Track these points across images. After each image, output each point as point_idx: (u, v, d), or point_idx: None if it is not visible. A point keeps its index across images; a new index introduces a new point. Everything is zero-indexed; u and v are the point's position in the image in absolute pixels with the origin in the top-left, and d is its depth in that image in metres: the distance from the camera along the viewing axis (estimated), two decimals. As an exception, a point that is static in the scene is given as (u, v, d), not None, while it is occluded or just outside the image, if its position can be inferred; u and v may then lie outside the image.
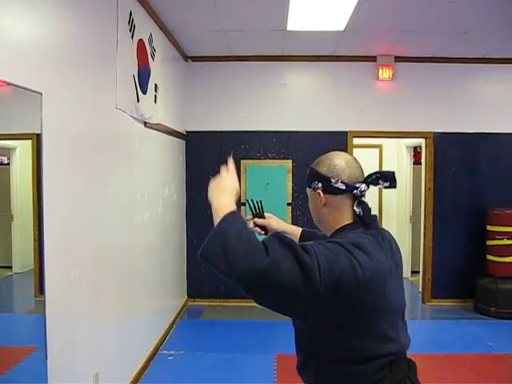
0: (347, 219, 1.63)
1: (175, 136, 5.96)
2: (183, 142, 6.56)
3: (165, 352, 4.96)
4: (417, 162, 7.85)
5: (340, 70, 6.63)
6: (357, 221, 1.61)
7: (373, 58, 6.52)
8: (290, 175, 6.58)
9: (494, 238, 6.13)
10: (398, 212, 8.39)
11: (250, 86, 6.67)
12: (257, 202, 2.31)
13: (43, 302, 2.61)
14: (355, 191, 1.59)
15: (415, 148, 7.99)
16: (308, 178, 1.72)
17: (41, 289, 2.64)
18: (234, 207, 1.53)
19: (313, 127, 6.54)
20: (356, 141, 6.75)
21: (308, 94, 6.72)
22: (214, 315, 6.29)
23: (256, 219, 2.29)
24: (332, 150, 1.74)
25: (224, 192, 1.61)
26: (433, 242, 6.66)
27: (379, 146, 8.87)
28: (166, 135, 5.47)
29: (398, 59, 6.50)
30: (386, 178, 1.61)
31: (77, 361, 3.05)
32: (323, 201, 1.64)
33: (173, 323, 5.79)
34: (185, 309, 6.53)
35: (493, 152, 6.62)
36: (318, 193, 1.64)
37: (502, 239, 6.06)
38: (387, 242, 1.61)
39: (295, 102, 6.66)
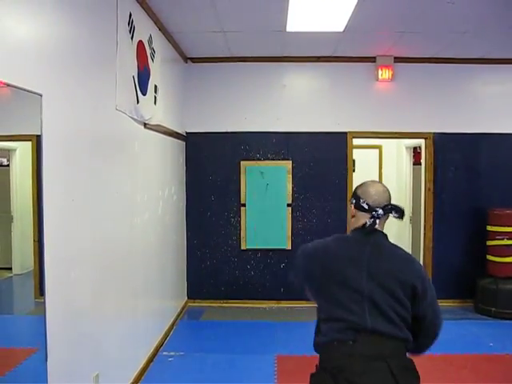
0: (358, 226, 2.27)
1: (175, 137, 5.96)
2: (183, 143, 6.56)
3: (165, 353, 4.96)
4: (417, 162, 7.85)
5: (339, 70, 6.63)
6: (361, 227, 2.23)
7: (372, 59, 6.53)
8: (290, 176, 6.58)
9: (494, 238, 6.13)
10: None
11: (249, 87, 6.67)
12: None
13: (43, 304, 2.61)
14: (374, 213, 2.20)
15: (415, 148, 7.99)
16: (352, 195, 2.35)
17: (41, 290, 2.64)
18: None
19: (312, 128, 6.54)
20: (356, 141, 6.75)
21: (307, 94, 6.72)
22: (214, 316, 6.28)
23: None
24: (370, 180, 2.34)
25: None
26: (433, 243, 6.66)
27: (379, 147, 8.88)
28: (165, 136, 5.47)
29: (398, 60, 6.50)
30: (397, 211, 2.21)
31: (77, 362, 3.05)
32: (352, 213, 2.29)
33: (173, 324, 5.79)
34: (185, 310, 6.53)
35: (492, 152, 6.62)
36: (351, 206, 2.29)
37: (503, 239, 6.06)
38: (371, 245, 2.18)
39: (295, 103, 6.66)
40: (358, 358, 1.99)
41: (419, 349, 2.23)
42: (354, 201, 2.28)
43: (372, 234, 2.20)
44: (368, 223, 2.19)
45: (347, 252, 2.20)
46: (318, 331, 2.21)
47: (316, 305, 2.26)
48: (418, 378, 2.07)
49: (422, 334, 2.19)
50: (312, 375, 2.16)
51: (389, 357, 1.99)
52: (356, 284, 2.09)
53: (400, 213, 2.21)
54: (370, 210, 2.20)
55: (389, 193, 2.27)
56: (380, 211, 2.19)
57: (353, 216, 2.29)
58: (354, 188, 2.38)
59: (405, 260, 2.21)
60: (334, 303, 2.12)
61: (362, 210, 2.23)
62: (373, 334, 2.03)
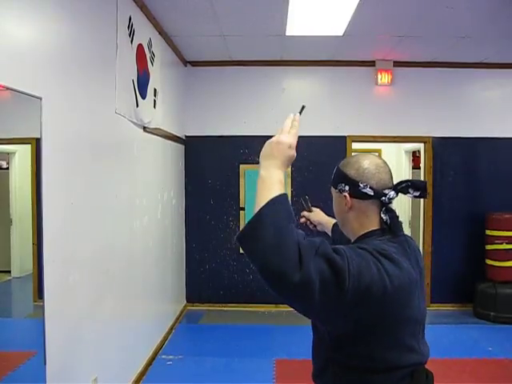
0: (373, 225, 1.58)
1: (174, 141, 5.97)
2: (182, 147, 6.57)
3: (164, 357, 4.96)
4: (416, 166, 7.87)
5: (339, 74, 6.65)
6: (383, 228, 1.56)
7: (372, 63, 6.54)
8: (289, 180, 6.58)
9: (493, 242, 6.13)
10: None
11: (249, 91, 6.68)
12: (305, 200, 2.64)
13: (42, 307, 2.61)
14: (383, 198, 1.55)
15: (414, 152, 8.01)
16: (334, 178, 1.68)
17: (40, 293, 2.64)
18: (282, 185, 1.43)
19: (312, 132, 6.53)
20: (355, 145, 6.76)
21: (307, 98, 6.73)
22: (213, 320, 6.28)
23: (304, 212, 2.58)
24: (361, 153, 1.70)
25: (277, 158, 1.48)
26: (432, 247, 6.66)
27: (378, 151, 8.90)
28: (165, 140, 5.47)
29: (397, 64, 6.52)
30: (417, 187, 1.57)
31: (76, 365, 3.05)
32: (349, 204, 1.59)
33: (172, 328, 5.79)
34: (184, 313, 6.52)
35: (491, 156, 6.63)
36: (345, 195, 1.59)
37: (501, 244, 6.05)
38: (412, 251, 1.57)
39: (294, 107, 6.62)
40: None
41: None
42: (347, 187, 1.59)
43: (402, 235, 1.59)
44: (387, 219, 1.55)
45: (410, 270, 1.48)
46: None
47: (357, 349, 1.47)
48: None
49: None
50: None
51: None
52: (416, 313, 1.52)
53: (422, 189, 1.58)
54: (378, 194, 1.55)
55: (388, 165, 1.66)
56: (391, 193, 1.56)
57: (350, 208, 1.60)
58: (338, 166, 1.71)
59: (422, 259, 1.69)
60: (393, 346, 1.48)
61: (365, 197, 1.56)
62: (424, 368, 1.57)
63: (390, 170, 1.62)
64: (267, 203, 1.35)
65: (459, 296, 6.60)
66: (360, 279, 1.31)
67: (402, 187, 1.57)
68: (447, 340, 5.37)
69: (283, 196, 1.39)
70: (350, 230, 1.66)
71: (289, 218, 1.36)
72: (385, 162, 1.63)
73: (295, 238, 1.30)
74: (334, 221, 2.33)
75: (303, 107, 1.73)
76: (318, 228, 2.56)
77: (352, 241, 1.64)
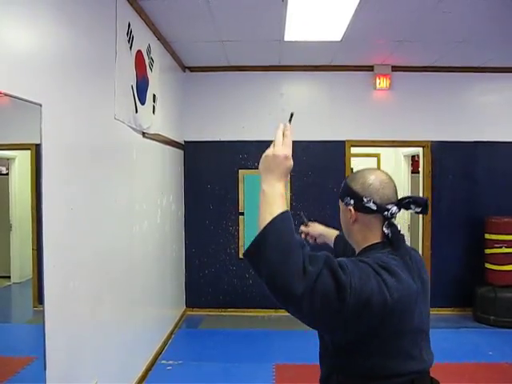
0: (376, 238, 1.65)
1: (173, 146, 5.98)
2: (181, 152, 6.58)
3: (163, 362, 4.95)
4: (415, 170, 7.88)
5: (337, 79, 6.66)
6: (385, 241, 1.63)
7: (370, 68, 6.56)
8: (289, 184, 6.59)
9: (493, 246, 6.13)
10: (397, 221, 8.40)
11: (247, 96, 6.69)
12: (301, 216, 2.70)
13: (42, 312, 2.61)
14: (386, 213, 1.61)
15: (413, 157, 8.03)
16: (341, 191, 1.74)
17: (39, 299, 2.64)
18: (283, 198, 1.51)
19: (310, 136, 6.55)
20: (354, 150, 6.77)
21: (305, 103, 6.75)
22: (213, 325, 6.27)
23: (302, 227, 2.59)
24: (368, 168, 1.78)
25: (275, 171, 1.55)
26: (431, 251, 6.66)
27: (377, 155, 8.91)
28: (164, 145, 5.48)
29: (395, 69, 6.54)
30: (419, 204, 1.62)
31: (76, 371, 3.05)
32: (353, 217, 1.66)
33: (171, 333, 5.78)
34: (183, 318, 6.51)
35: (490, 160, 6.64)
36: (350, 209, 1.67)
37: (501, 247, 6.06)
38: (415, 263, 1.62)
39: (293, 112, 6.65)
40: None
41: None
42: (351, 201, 1.66)
43: (404, 248, 1.63)
44: (389, 233, 1.62)
45: (411, 282, 1.54)
46: None
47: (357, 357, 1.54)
48: None
49: None
50: None
51: None
52: (418, 324, 1.57)
53: (424, 206, 1.62)
54: (380, 209, 1.61)
55: (393, 181, 1.71)
56: (394, 209, 1.62)
57: (354, 221, 1.67)
58: (345, 179, 1.77)
59: (424, 265, 1.76)
60: (393, 355, 1.53)
61: (369, 211, 1.63)
62: (428, 376, 1.64)
63: (394, 186, 1.69)
64: (271, 221, 1.42)
65: (459, 300, 6.60)
66: (361, 293, 1.37)
67: (405, 203, 1.63)
68: (447, 344, 5.36)
69: (286, 213, 1.46)
70: (354, 242, 1.74)
71: (292, 235, 1.43)
72: (390, 178, 1.70)
73: (299, 255, 1.37)
74: (335, 232, 2.41)
75: (292, 115, 1.80)
76: (318, 241, 2.60)
77: (356, 253, 1.71)
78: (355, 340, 1.48)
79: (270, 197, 1.49)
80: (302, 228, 2.59)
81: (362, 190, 1.64)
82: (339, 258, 1.46)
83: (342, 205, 1.74)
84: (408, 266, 1.56)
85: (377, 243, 1.64)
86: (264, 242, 1.39)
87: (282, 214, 1.45)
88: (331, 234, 2.49)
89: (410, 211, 1.65)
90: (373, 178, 1.65)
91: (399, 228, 1.63)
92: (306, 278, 1.33)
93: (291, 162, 1.59)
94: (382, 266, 1.47)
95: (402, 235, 1.63)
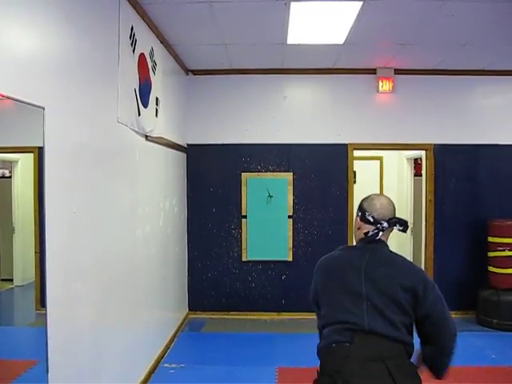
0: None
1: (176, 149, 5.99)
2: (184, 155, 6.59)
3: (166, 365, 4.95)
4: (417, 173, 7.87)
5: (340, 82, 6.67)
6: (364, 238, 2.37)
7: (373, 71, 6.56)
8: (291, 188, 6.59)
9: (496, 249, 6.11)
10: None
11: (250, 99, 6.70)
12: None
13: (44, 315, 2.61)
14: (378, 225, 2.31)
15: (416, 160, 8.01)
16: (358, 207, 2.44)
17: (42, 302, 2.64)
18: None
19: (313, 140, 6.56)
20: (356, 153, 6.77)
21: (308, 106, 6.75)
22: (216, 328, 6.26)
23: None
24: (375, 193, 2.49)
25: None
26: (434, 254, 6.65)
27: (380, 158, 8.91)
28: (167, 148, 5.49)
29: (398, 72, 6.54)
30: (401, 224, 2.32)
31: (78, 374, 3.04)
32: (358, 225, 2.40)
33: (174, 336, 5.78)
34: (186, 321, 6.51)
35: (493, 163, 6.63)
36: (357, 218, 2.41)
37: (504, 250, 6.04)
38: (369, 253, 2.29)
39: (296, 115, 6.68)
40: (354, 358, 2.03)
41: (443, 351, 2.24)
42: (359, 213, 2.38)
43: (373, 243, 2.31)
44: (370, 233, 2.30)
45: (348, 259, 2.32)
46: (320, 338, 2.28)
47: (320, 313, 2.32)
48: (418, 378, 2.09)
49: (436, 334, 2.21)
50: (314, 381, 2.18)
51: (387, 358, 2.02)
52: (356, 288, 2.18)
53: (404, 226, 2.31)
54: (375, 222, 2.30)
55: (393, 206, 2.38)
56: (385, 224, 2.29)
57: (358, 228, 2.39)
58: (359, 201, 2.46)
59: (404, 266, 2.30)
60: (335, 307, 2.22)
61: (368, 222, 2.32)
62: (371, 335, 2.08)
63: (392, 208, 2.37)
64: None
65: (462, 303, 6.57)
66: (313, 284, 2.45)
67: (392, 222, 2.31)
68: (450, 347, 5.33)
69: None
70: (356, 237, 2.46)
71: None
72: (390, 202, 2.38)
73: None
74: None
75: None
76: None
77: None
78: (316, 301, 2.40)
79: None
80: None
81: (367, 207, 2.36)
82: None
83: (355, 215, 2.46)
84: (352, 251, 2.42)
85: (360, 239, 2.40)
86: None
87: None
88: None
89: (395, 228, 2.33)
90: (376, 201, 2.36)
91: (379, 235, 2.31)
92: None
93: None
94: (338, 248, 2.47)
95: (380, 240, 2.32)
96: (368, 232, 2.32)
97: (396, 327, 2.10)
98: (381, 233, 2.31)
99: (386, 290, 2.15)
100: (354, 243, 2.47)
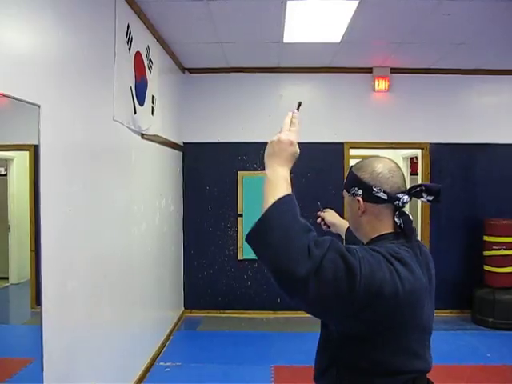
0: (386, 229, 1.57)
1: (172, 147, 5.98)
2: (180, 154, 6.58)
3: (162, 364, 4.94)
4: (413, 172, 7.88)
5: (336, 81, 6.67)
6: (397, 231, 1.56)
7: (369, 70, 6.56)
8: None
9: (491, 248, 6.13)
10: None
11: (246, 98, 6.69)
12: (318, 205, 2.77)
13: (40, 313, 2.60)
14: (397, 202, 1.54)
15: (411, 159, 8.03)
16: (347, 182, 1.66)
17: (37, 300, 2.64)
18: (288, 183, 1.47)
19: (309, 138, 6.54)
20: (353, 152, 6.77)
21: (304, 105, 6.70)
22: (211, 326, 6.26)
23: (319, 213, 2.72)
24: (373, 156, 1.68)
25: (280, 156, 1.52)
26: (429, 253, 6.65)
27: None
28: (163, 147, 5.48)
29: (394, 71, 6.54)
30: (431, 192, 1.56)
31: (73, 372, 3.04)
32: (362, 208, 1.58)
33: (170, 334, 5.77)
34: (182, 320, 6.50)
35: (488, 162, 6.64)
36: (358, 200, 1.58)
37: (499, 249, 6.06)
38: (424, 257, 1.59)
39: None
40: None
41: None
42: (360, 191, 1.58)
43: (414, 237, 1.58)
44: (401, 223, 1.55)
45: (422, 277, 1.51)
46: None
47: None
48: None
49: None
50: None
51: None
52: (426, 321, 1.55)
53: (436, 194, 1.57)
54: (392, 199, 1.54)
55: (401, 169, 1.65)
56: (405, 198, 1.55)
57: (363, 212, 1.58)
58: (351, 168, 1.69)
59: (432, 259, 1.78)
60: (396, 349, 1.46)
61: (379, 201, 1.55)
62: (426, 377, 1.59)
63: (403, 174, 1.62)
64: (272, 204, 1.36)
65: (457, 302, 6.59)
66: (372, 280, 1.30)
67: (416, 191, 1.56)
68: (445, 346, 5.36)
69: (289, 196, 1.41)
70: (363, 235, 1.65)
71: (295, 218, 1.35)
72: (398, 166, 1.63)
73: (303, 239, 1.30)
74: (347, 224, 2.25)
75: (300, 103, 1.81)
76: (332, 230, 2.57)
77: (365, 243, 1.63)
78: (362, 330, 1.40)
79: (273, 181, 1.45)
80: (320, 213, 2.69)
81: (370, 179, 1.56)
82: (348, 245, 1.39)
83: (347, 196, 1.66)
84: (418, 259, 1.51)
85: (388, 233, 1.56)
86: (266, 225, 1.33)
87: (285, 196, 1.39)
88: (344, 225, 2.40)
89: (421, 200, 1.58)
90: (381, 167, 1.58)
91: (411, 218, 1.56)
92: (310, 260, 1.26)
93: (297, 149, 1.56)
94: (394, 256, 1.40)
95: (414, 227, 1.57)
96: (406, 217, 1.55)
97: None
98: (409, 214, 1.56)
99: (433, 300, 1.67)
100: (363, 237, 1.66)
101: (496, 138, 6.60)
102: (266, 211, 1.36)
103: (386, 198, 1.53)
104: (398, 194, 1.54)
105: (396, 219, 1.54)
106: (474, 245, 6.45)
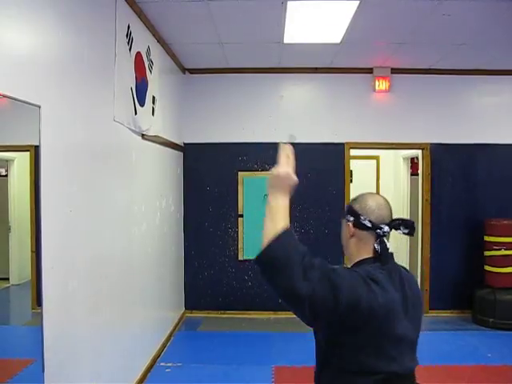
0: (368, 253, 1.87)
1: (173, 148, 5.98)
2: (181, 154, 6.58)
3: (162, 364, 4.95)
4: (414, 173, 7.88)
5: (337, 81, 6.67)
6: (375, 256, 1.85)
7: (369, 70, 6.57)
8: (288, 186, 6.57)
9: (492, 248, 6.13)
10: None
11: (247, 98, 6.70)
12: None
13: (40, 314, 2.60)
14: (378, 231, 1.84)
15: (412, 159, 8.03)
16: (345, 211, 1.99)
17: (38, 301, 2.64)
18: (286, 210, 1.86)
19: (310, 139, 6.55)
20: (353, 152, 6.78)
21: (305, 105, 6.75)
22: (212, 327, 6.26)
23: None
24: (369, 192, 1.99)
25: (279, 187, 1.89)
26: (430, 253, 6.66)
27: (376, 158, 8.92)
28: (163, 147, 5.48)
29: (395, 71, 6.55)
30: (407, 226, 1.86)
31: (74, 373, 3.04)
32: (351, 232, 1.90)
33: (170, 335, 5.77)
34: (182, 320, 6.51)
35: (489, 163, 6.65)
36: (349, 224, 1.91)
37: (500, 250, 6.06)
38: (398, 277, 1.83)
39: (292, 114, 6.68)
40: None
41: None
42: (351, 218, 1.90)
43: (390, 261, 1.85)
44: (379, 249, 1.83)
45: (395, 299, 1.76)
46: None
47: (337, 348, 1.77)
48: None
49: None
50: None
51: None
52: (402, 331, 1.75)
53: (410, 228, 1.85)
54: (374, 227, 1.84)
55: (390, 205, 1.94)
56: (386, 228, 1.85)
57: (352, 235, 1.90)
58: (349, 201, 2.00)
59: (415, 283, 1.96)
60: (376, 353, 1.71)
61: (364, 228, 1.86)
62: (408, 378, 1.79)
63: (390, 210, 1.93)
64: (278, 237, 1.72)
65: (458, 302, 6.60)
66: (352, 295, 1.63)
67: (395, 224, 1.87)
68: (446, 346, 5.36)
69: (289, 231, 1.79)
70: (350, 254, 1.97)
71: (295, 248, 1.72)
72: (386, 202, 1.94)
73: (300, 266, 1.64)
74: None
75: (291, 137, 2.11)
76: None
77: (349, 266, 1.93)
78: (345, 337, 1.70)
79: (274, 207, 1.82)
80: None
81: (360, 209, 1.89)
82: (335, 266, 1.72)
83: (343, 221, 1.98)
84: (392, 279, 1.79)
85: (368, 258, 1.86)
86: (273, 256, 1.69)
87: (287, 231, 1.76)
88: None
89: (398, 232, 1.87)
90: (371, 201, 1.91)
91: (388, 246, 1.85)
92: (306, 282, 1.60)
93: (294, 178, 1.92)
94: (370, 277, 1.71)
95: (391, 253, 1.87)
96: (383, 245, 1.83)
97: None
98: (386, 242, 1.86)
99: (416, 318, 1.85)
100: (350, 257, 1.95)
101: (496, 139, 6.60)
102: (273, 242, 1.70)
103: (370, 225, 1.86)
104: (381, 224, 1.86)
105: (376, 245, 1.85)
106: (475, 245, 6.45)
